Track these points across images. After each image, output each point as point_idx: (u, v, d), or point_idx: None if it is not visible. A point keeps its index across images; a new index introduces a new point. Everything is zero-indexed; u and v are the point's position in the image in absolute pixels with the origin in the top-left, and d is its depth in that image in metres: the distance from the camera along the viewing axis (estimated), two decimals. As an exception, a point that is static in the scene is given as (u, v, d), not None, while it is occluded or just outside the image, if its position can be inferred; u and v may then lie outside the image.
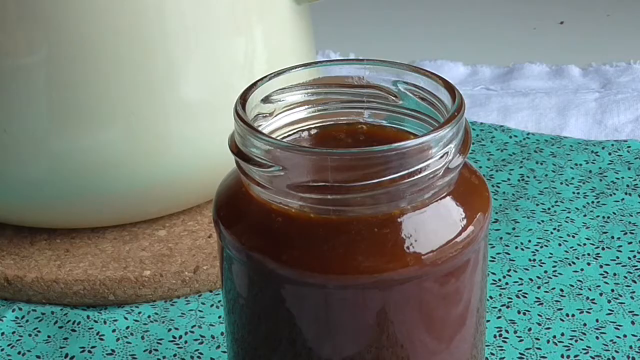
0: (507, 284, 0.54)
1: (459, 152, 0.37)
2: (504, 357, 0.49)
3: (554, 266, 0.55)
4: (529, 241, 0.57)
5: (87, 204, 0.54)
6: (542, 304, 0.52)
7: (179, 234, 0.57)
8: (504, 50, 0.83)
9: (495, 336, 0.50)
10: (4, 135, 0.52)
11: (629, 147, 0.65)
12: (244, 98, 0.39)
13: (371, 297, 0.37)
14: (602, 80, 0.75)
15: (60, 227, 0.57)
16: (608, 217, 0.59)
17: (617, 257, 0.55)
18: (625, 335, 0.50)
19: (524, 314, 0.52)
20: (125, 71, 0.51)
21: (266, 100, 0.40)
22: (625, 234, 0.57)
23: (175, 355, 0.50)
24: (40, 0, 0.49)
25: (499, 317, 0.51)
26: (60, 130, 0.52)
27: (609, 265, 0.55)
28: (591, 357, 0.49)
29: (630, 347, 0.49)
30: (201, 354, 0.50)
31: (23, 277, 0.54)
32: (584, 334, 0.50)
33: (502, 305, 0.52)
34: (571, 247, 0.56)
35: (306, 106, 0.41)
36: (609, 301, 0.52)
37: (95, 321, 0.52)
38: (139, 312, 0.53)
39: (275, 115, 0.40)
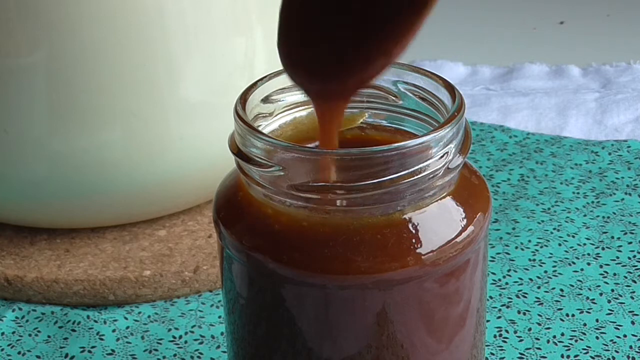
0: (507, 284, 0.54)
1: (459, 152, 0.37)
2: (504, 357, 0.49)
3: (554, 266, 0.55)
4: (529, 241, 0.57)
5: (87, 204, 0.54)
6: (542, 304, 0.52)
7: (179, 234, 0.57)
8: (504, 50, 0.83)
9: (495, 336, 0.50)
10: (4, 135, 0.52)
11: (629, 147, 0.65)
12: (244, 98, 0.39)
13: (371, 297, 0.37)
14: (602, 80, 0.75)
15: (60, 227, 0.57)
16: (608, 217, 0.59)
17: (617, 257, 0.55)
18: (625, 335, 0.50)
19: (524, 314, 0.52)
20: (125, 71, 0.51)
21: (266, 100, 0.40)
22: (625, 234, 0.57)
23: (175, 355, 0.50)
24: (41, 1, 0.49)
25: (499, 317, 0.51)
26: (60, 130, 0.52)
27: (609, 265, 0.55)
28: (591, 357, 0.49)
29: (630, 347, 0.49)
30: (201, 354, 0.50)
31: (23, 277, 0.54)
32: (584, 334, 0.50)
33: (502, 305, 0.52)
34: (571, 247, 0.56)
35: (306, 106, 0.41)
36: (609, 301, 0.52)
37: (95, 321, 0.52)
38: (139, 312, 0.53)
39: (275, 116, 0.40)
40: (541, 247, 0.56)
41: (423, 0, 0.35)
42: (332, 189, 0.36)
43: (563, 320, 0.51)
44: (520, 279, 0.54)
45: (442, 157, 0.36)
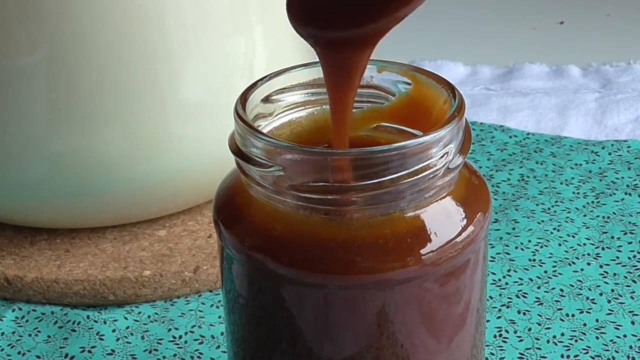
0: (507, 284, 0.54)
1: (459, 152, 0.37)
2: (504, 357, 0.49)
3: (554, 266, 0.55)
4: (529, 241, 0.57)
5: (87, 204, 0.54)
6: (542, 304, 0.52)
7: (179, 234, 0.57)
8: (504, 50, 0.83)
9: (495, 336, 0.50)
10: (4, 136, 0.52)
11: (629, 147, 0.65)
12: (244, 98, 0.39)
13: (371, 297, 0.37)
14: (602, 80, 0.75)
15: (60, 227, 0.57)
16: (608, 217, 0.59)
17: (617, 257, 0.55)
18: (625, 335, 0.50)
19: (524, 314, 0.52)
20: (125, 71, 0.51)
21: (266, 100, 0.40)
22: (625, 234, 0.57)
23: (175, 355, 0.50)
24: (41, 0, 0.49)
25: (499, 317, 0.51)
26: (60, 130, 0.52)
27: (609, 265, 0.55)
28: (591, 357, 0.49)
29: (630, 347, 0.49)
30: (201, 354, 0.50)
31: (23, 277, 0.54)
32: (584, 334, 0.50)
33: (502, 305, 0.52)
34: (571, 247, 0.56)
35: (306, 106, 0.41)
36: (609, 301, 0.52)
37: (95, 321, 0.52)
38: (139, 312, 0.53)
39: (276, 116, 0.40)
40: (541, 247, 0.56)
41: None
42: (332, 189, 0.36)
43: (563, 320, 0.51)
44: (520, 279, 0.54)
45: (442, 157, 0.36)
